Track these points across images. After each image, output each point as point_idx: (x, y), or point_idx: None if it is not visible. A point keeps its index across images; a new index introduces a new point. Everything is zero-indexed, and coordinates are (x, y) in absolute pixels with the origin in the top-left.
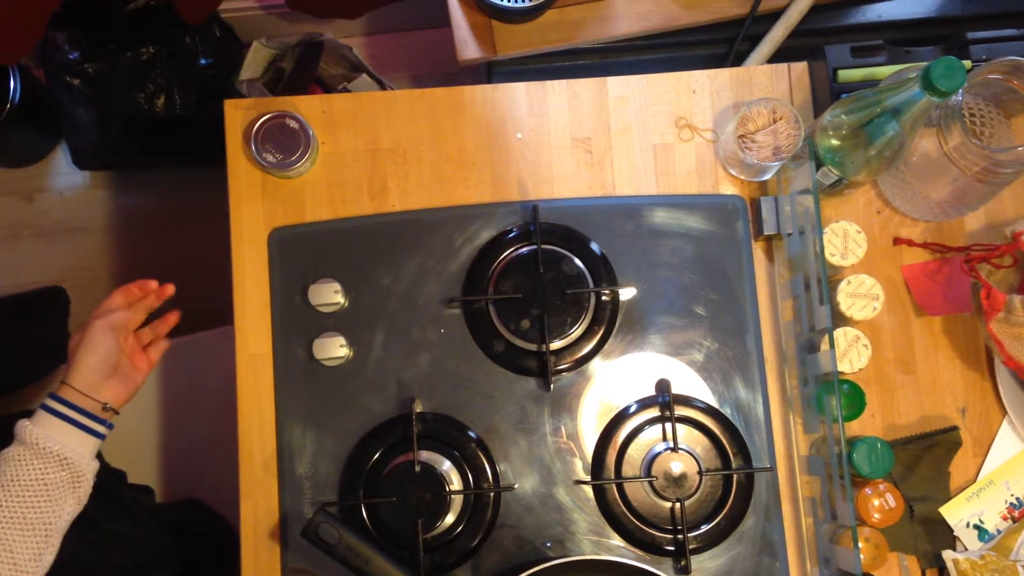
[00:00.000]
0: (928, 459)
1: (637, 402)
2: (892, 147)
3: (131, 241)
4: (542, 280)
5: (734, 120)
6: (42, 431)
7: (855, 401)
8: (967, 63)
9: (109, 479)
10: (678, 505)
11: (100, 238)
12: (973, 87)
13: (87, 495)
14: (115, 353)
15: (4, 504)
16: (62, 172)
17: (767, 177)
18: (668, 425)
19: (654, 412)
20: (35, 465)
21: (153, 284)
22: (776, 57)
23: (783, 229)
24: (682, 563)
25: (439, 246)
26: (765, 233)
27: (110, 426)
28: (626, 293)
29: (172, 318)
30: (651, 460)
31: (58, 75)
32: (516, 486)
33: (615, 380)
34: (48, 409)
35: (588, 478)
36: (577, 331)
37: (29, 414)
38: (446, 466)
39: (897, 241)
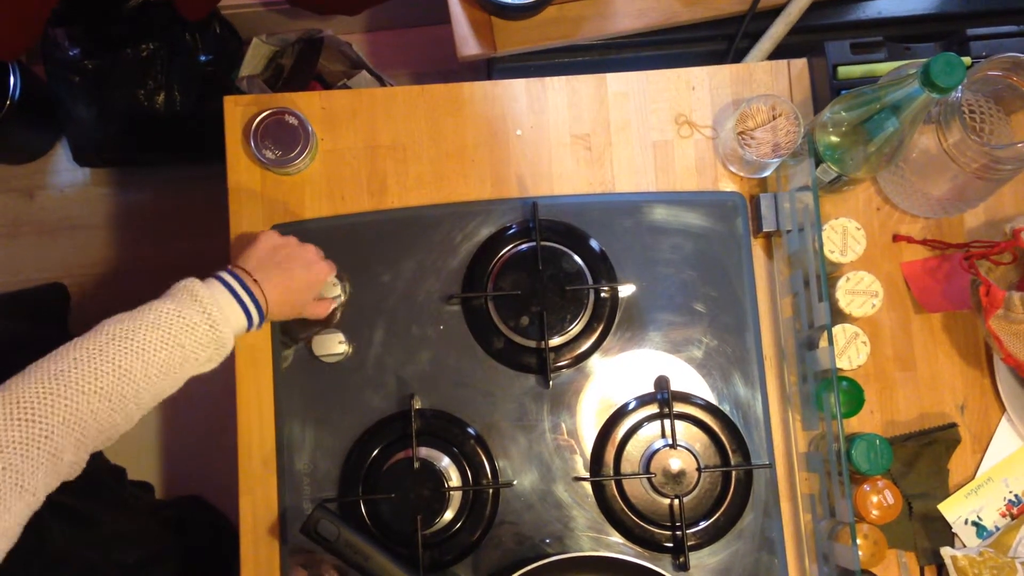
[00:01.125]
0: (927, 456)
1: (636, 399)
2: (892, 144)
3: (131, 238)
4: (541, 277)
5: (734, 117)
6: (210, 292)
7: (854, 398)
8: (967, 60)
9: (109, 476)
10: (677, 502)
11: (100, 235)
12: (973, 84)
13: (216, 364)
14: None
15: (151, 348)
16: (62, 169)
17: (766, 174)
18: (667, 422)
19: (653, 409)
20: (196, 321)
21: None
22: (776, 54)
23: (782, 226)
24: (681, 560)
25: (438, 243)
26: (764, 230)
27: (262, 321)
28: (625, 290)
29: None
30: (650, 457)
31: (58, 72)
32: (515, 483)
33: (614, 377)
34: (228, 286)
35: (587, 475)
36: (576, 328)
37: None
38: (445, 463)
39: (896, 238)
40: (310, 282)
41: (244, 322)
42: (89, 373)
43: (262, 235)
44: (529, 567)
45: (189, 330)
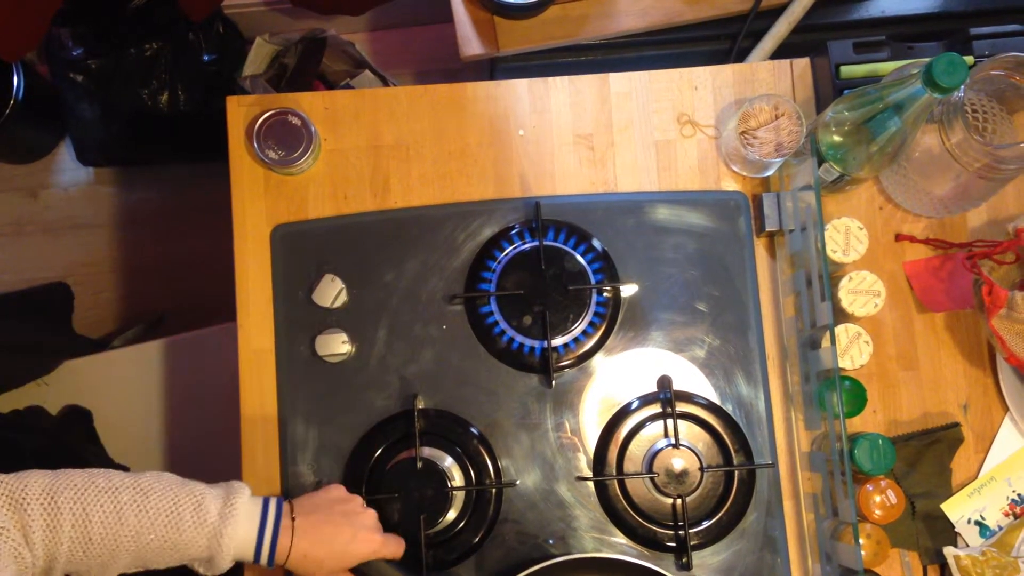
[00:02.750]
0: (930, 455)
1: (639, 398)
2: (894, 143)
3: (135, 237)
4: (544, 276)
5: (736, 116)
6: (233, 528)
7: (857, 397)
8: (970, 59)
9: None
10: (679, 501)
11: (104, 234)
12: (976, 83)
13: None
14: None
15: (149, 529)
16: (66, 168)
17: (769, 173)
18: (670, 421)
19: (656, 408)
20: (200, 539)
21: None
22: (779, 53)
23: (785, 225)
24: (684, 559)
25: (441, 242)
26: (767, 229)
27: (272, 562)
28: (628, 290)
29: None
30: (653, 456)
31: (62, 71)
32: (518, 482)
33: (617, 376)
34: (264, 516)
35: (590, 474)
36: (579, 327)
37: (34, 414)
38: (448, 462)
39: (899, 237)
40: (348, 550)
41: (250, 552)
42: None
43: (333, 486)
44: (531, 569)
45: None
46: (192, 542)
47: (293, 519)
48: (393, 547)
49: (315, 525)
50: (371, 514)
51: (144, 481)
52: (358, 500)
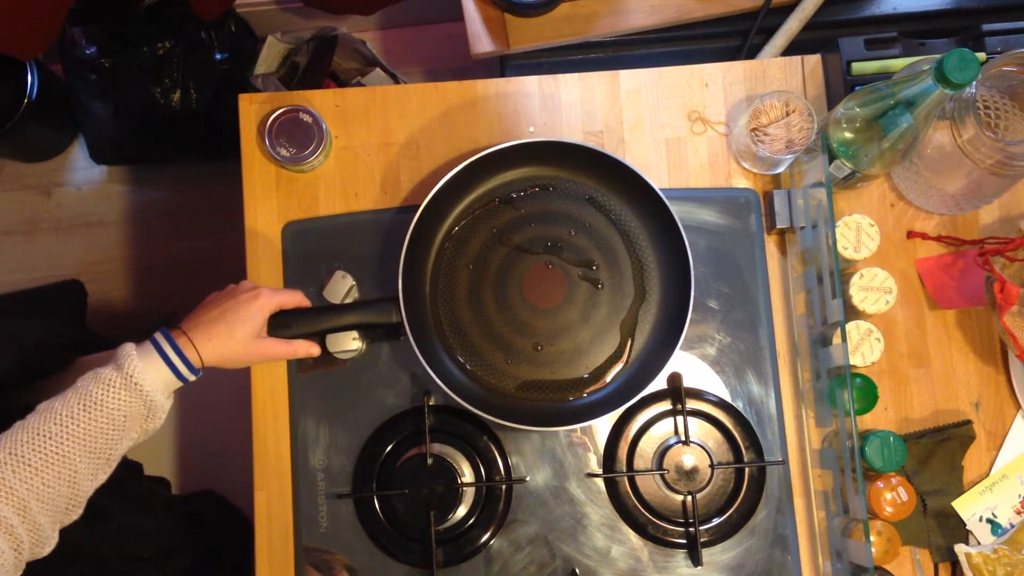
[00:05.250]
0: (941, 453)
1: (649, 396)
2: (906, 140)
3: (147, 235)
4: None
5: (747, 113)
6: (141, 364)
7: (868, 395)
8: (982, 55)
9: (125, 471)
10: (690, 498)
11: (117, 232)
12: (987, 79)
13: (155, 430)
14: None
15: (81, 423)
16: (79, 167)
17: (780, 170)
18: (680, 418)
19: (666, 406)
20: (122, 396)
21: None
22: (789, 50)
23: (796, 222)
24: (694, 556)
25: None
26: (778, 226)
27: (195, 371)
28: None
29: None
30: (663, 453)
31: (75, 70)
32: (528, 479)
33: None
34: (157, 347)
35: (600, 471)
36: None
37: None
38: (458, 459)
39: (911, 234)
40: (248, 326)
41: (171, 377)
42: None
43: (209, 297)
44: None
45: (110, 394)
46: (120, 408)
47: (185, 332)
48: (288, 295)
49: (207, 326)
50: (244, 284)
51: (46, 409)
52: (231, 286)
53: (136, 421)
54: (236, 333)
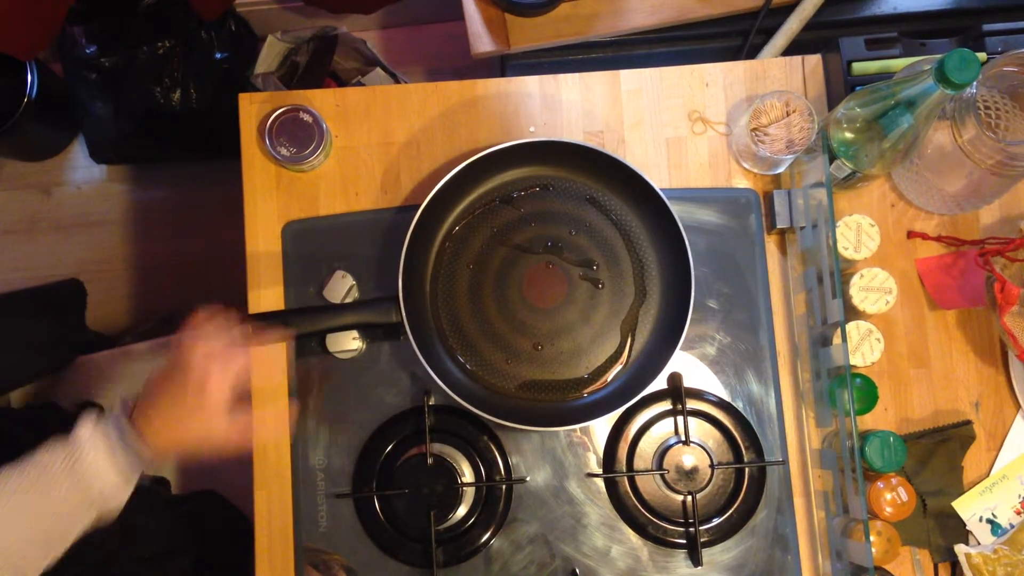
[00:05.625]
0: (941, 453)
1: (649, 395)
2: (906, 140)
3: (147, 234)
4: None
5: (747, 113)
6: (95, 457)
7: (868, 395)
8: (982, 55)
9: None
10: (690, 498)
11: (117, 231)
12: (988, 79)
13: (113, 514)
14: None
15: (26, 512)
16: (79, 166)
17: (780, 170)
18: (680, 418)
19: (666, 406)
20: (66, 487)
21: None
22: (790, 50)
23: (796, 222)
24: (694, 556)
25: None
26: (778, 226)
27: (142, 468)
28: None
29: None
30: (663, 453)
31: (75, 69)
32: (528, 479)
33: None
34: (107, 435)
35: (600, 471)
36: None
37: (52, 413)
38: (458, 459)
39: (911, 234)
40: (191, 432)
41: (117, 475)
42: None
43: (184, 343)
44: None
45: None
46: (66, 500)
47: (130, 421)
48: (238, 365)
49: (154, 413)
50: (197, 362)
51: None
52: (186, 357)
53: (86, 507)
54: (189, 426)
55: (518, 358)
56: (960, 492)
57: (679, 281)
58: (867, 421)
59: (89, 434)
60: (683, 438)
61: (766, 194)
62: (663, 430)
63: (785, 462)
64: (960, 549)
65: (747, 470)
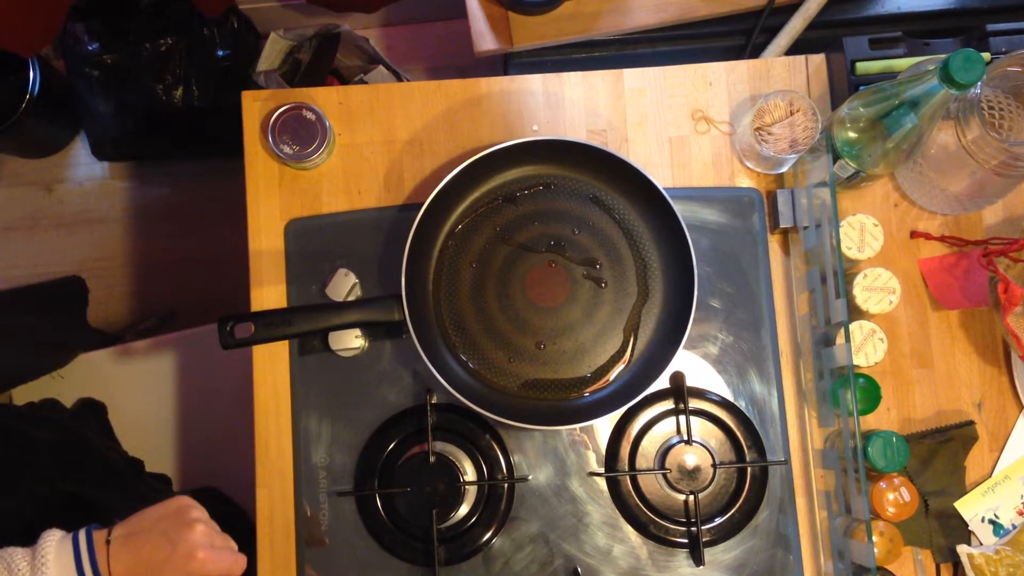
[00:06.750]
0: (944, 453)
1: (651, 395)
2: (910, 140)
3: (149, 231)
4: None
5: (751, 112)
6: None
7: (870, 395)
8: (986, 55)
9: (127, 468)
10: (692, 498)
11: (119, 228)
12: (992, 79)
13: None
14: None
15: None
16: (81, 163)
17: (784, 170)
18: (682, 418)
19: (668, 405)
20: None
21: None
22: (794, 49)
23: (799, 222)
24: (696, 555)
25: None
26: (781, 226)
27: None
28: None
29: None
30: (665, 452)
31: (77, 66)
32: (530, 478)
33: None
34: (76, 548)
35: (602, 470)
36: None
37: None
38: (460, 457)
39: (914, 234)
40: (167, 568)
41: None
42: None
43: (174, 499)
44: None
45: None
46: None
47: (108, 542)
48: (227, 564)
49: (133, 547)
50: (200, 530)
51: None
52: (192, 514)
53: None
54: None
55: (520, 357)
56: (962, 492)
57: (682, 280)
58: (870, 421)
59: (54, 552)
60: (685, 437)
61: (769, 193)
62: (665, 429)
63: (787, 462)
64: (962, 550)
65: (749, 470)
